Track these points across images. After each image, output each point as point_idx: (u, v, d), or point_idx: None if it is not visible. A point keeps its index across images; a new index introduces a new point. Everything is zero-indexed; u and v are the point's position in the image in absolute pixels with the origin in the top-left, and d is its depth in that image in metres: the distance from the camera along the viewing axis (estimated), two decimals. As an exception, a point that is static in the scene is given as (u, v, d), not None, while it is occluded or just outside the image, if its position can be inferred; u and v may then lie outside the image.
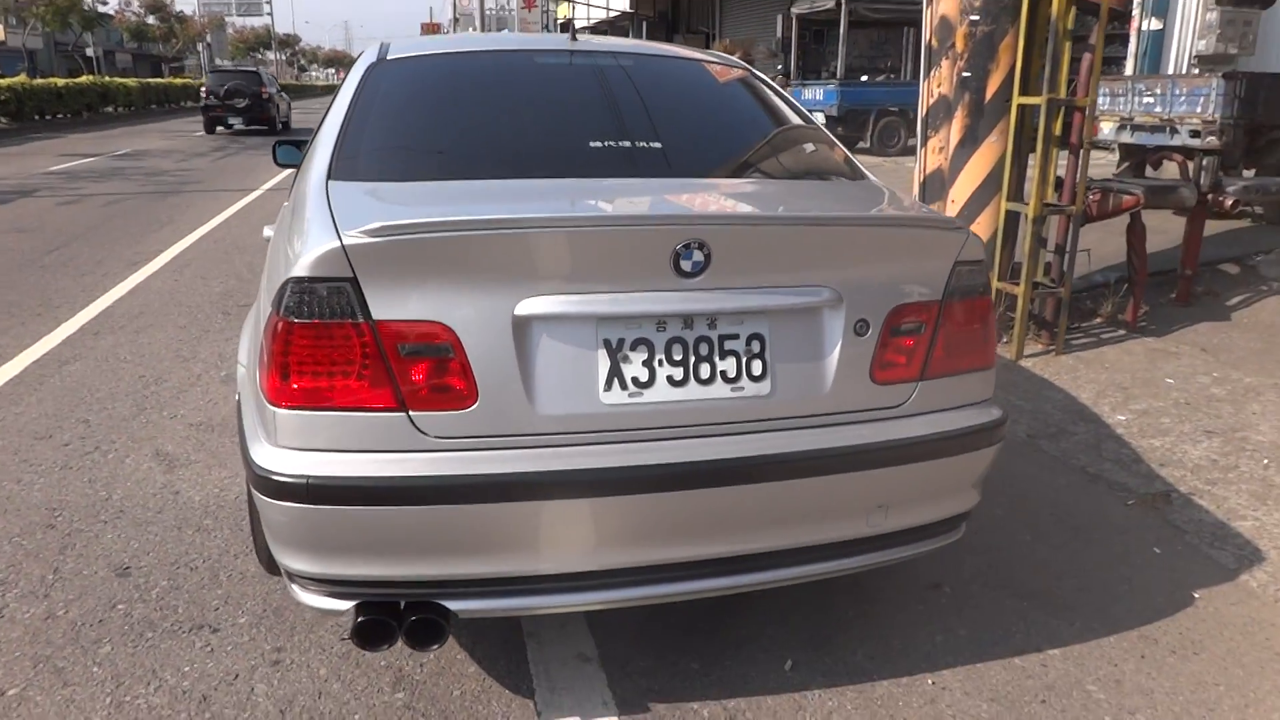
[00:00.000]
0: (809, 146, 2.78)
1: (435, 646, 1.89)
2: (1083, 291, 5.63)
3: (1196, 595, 2.73)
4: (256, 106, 22.29)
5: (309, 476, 1.72)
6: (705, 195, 2.22)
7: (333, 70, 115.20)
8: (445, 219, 1.76)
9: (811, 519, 1.98)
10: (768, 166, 2.64)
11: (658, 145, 2.43)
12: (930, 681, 2.29)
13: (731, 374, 1.89)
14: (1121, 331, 5.20)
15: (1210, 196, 5.29)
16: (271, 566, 2.50)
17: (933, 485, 2.08)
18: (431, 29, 61.84)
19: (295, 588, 1.90)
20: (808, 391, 1.94)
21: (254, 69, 25.72)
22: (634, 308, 1.81)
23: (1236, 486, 3.40)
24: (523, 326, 1.79)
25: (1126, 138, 8.40)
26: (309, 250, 1.72)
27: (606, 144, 2.39)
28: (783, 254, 1.90)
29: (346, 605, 1.86)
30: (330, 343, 1.73)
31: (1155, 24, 12.18)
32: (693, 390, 1.87)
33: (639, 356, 1.84)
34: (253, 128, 22.27)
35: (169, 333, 4.99)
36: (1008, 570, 2.79)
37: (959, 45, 4.81)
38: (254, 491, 1.83)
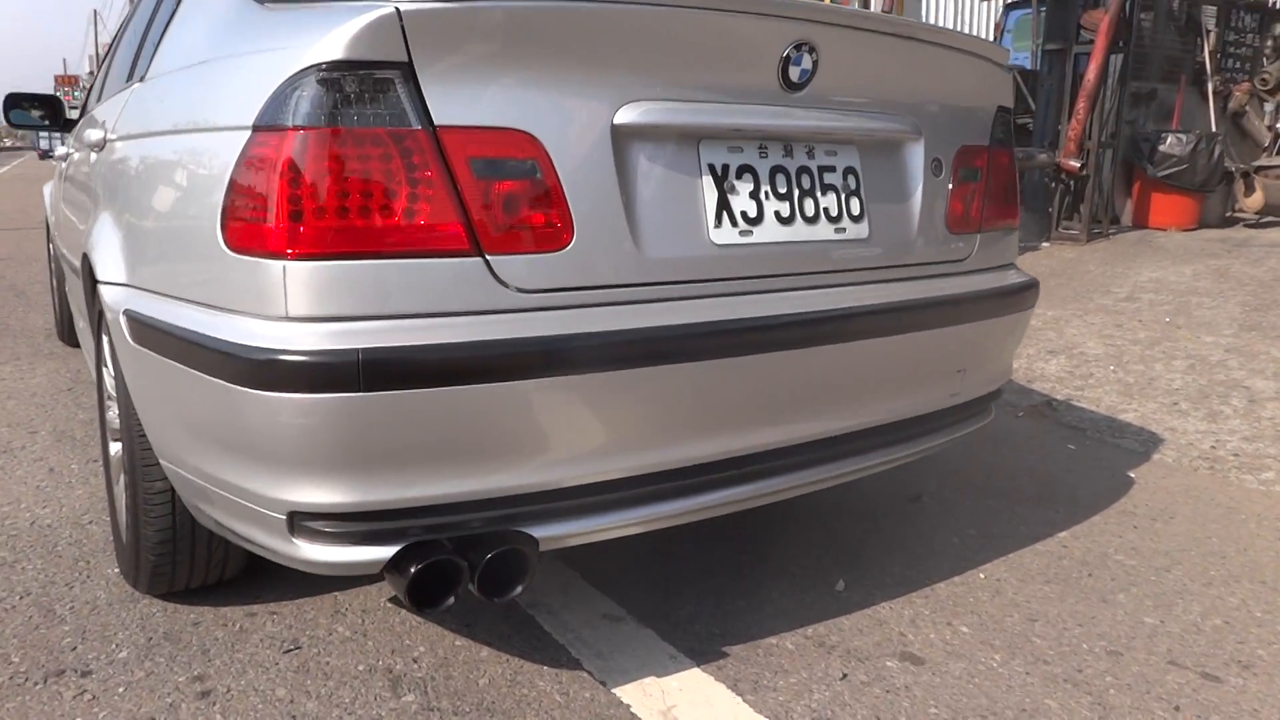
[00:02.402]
0: None
1: (518, 589, 1.37)
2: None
3: (1132, 474, 2.80)
4: None
5: (363, 351, 1.16)
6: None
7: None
8: None
9: (909, 383, 1.72)
10: None
11: None
12: (981, 576, 2.09)
13: (834, 212, 1.59)
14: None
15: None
16: (151, 584, 1.77)
17: (995, 347, 1.90)
18: (67, 81, 55.01)
19: (301, 542, 1.29)
20: (899, 238, 1.71)
21: None
22: (740, 120, 1.45)
23: (1101, 389, 3.60)
24: (623, 141, 1.36)
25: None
26: (339, 24, 1.18)
27: None
28: (878, 74, 1.65)
29: (388, 552, 1.29)
30: (371, 160, 1.19)
31: None
32: (800, 229, 1.54)
33: (745, 187, 1.49)
34: None
35: None
36: (963, 479, 2.71)
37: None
38: (244, 394, 1.21)
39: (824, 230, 1.58)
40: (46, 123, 3.43)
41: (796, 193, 1.55)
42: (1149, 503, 2.57)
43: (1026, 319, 1.99)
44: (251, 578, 1.95)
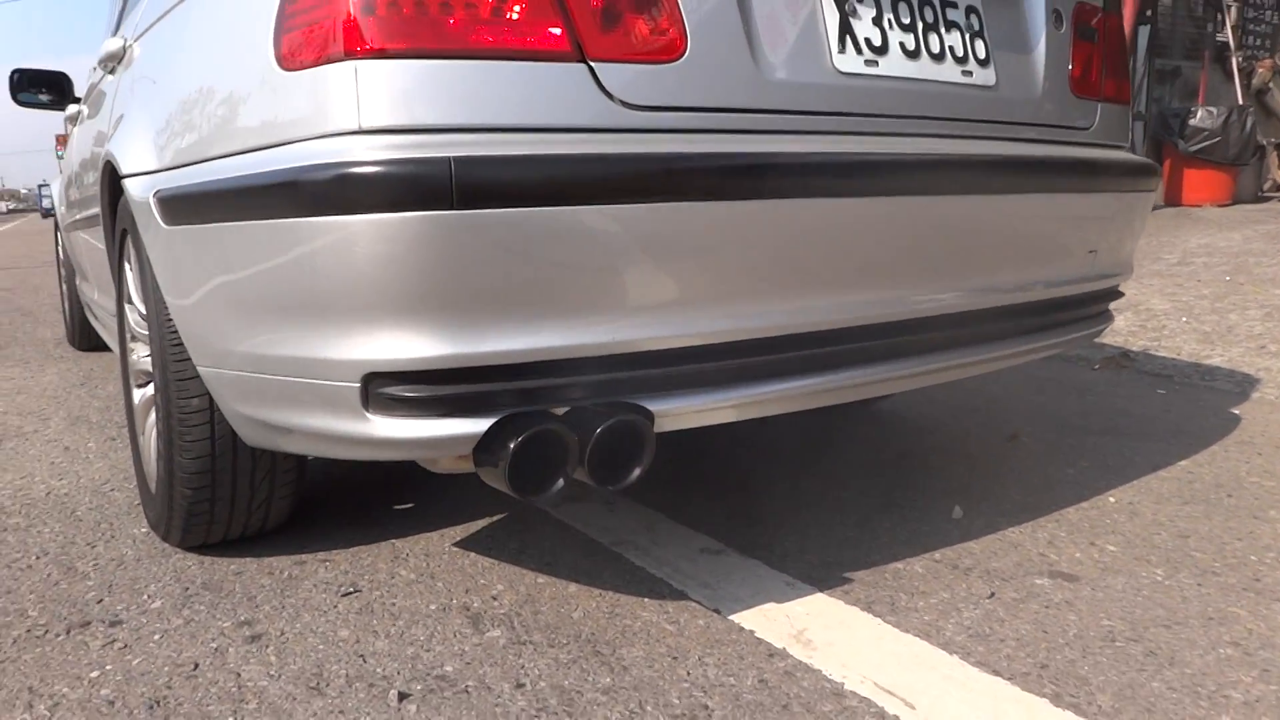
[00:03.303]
0: None
1: (635, 473, 1.14)
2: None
3: (1236, 411, 2.57)
4: None
5: (456, 160, 0.96)
6: None
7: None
8: None
9: (1045, 254, 1.51)
10: None
11: None
12: (1111, 500, 1.86)
13: (960, 51, 1.40)
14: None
15: None
16: (186, 530, 1.56)
17: (1124, 226, 1.69)
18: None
19: (377, 416, 1.07)
20: (1027, 91, 1.52)
21: None
22: None
23: (1178, 338, 3.38)
24: None
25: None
26: None
27: None
28: None
29: (482, 425, 1.07)
30: None
31: None
32: (926, 66, 1.35)
33: (868, 12, 1.30)
34: None
35: None
36: (1057, 420, 2.48)
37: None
38: (310, 225, 1.01)
39: (951, 71, 1.38)
40: (55, 105, 3.25)
41: (920, 25, 1.35)
42: (1266, 434, 2.35)
43: (1150, 202, 1.78)
44: (297, 529, 1.73)
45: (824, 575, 1.52)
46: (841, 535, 1.69)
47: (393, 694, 1.18)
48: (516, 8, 1.03)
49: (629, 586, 1.49)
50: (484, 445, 1.08)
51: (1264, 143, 6.79)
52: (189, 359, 1.40)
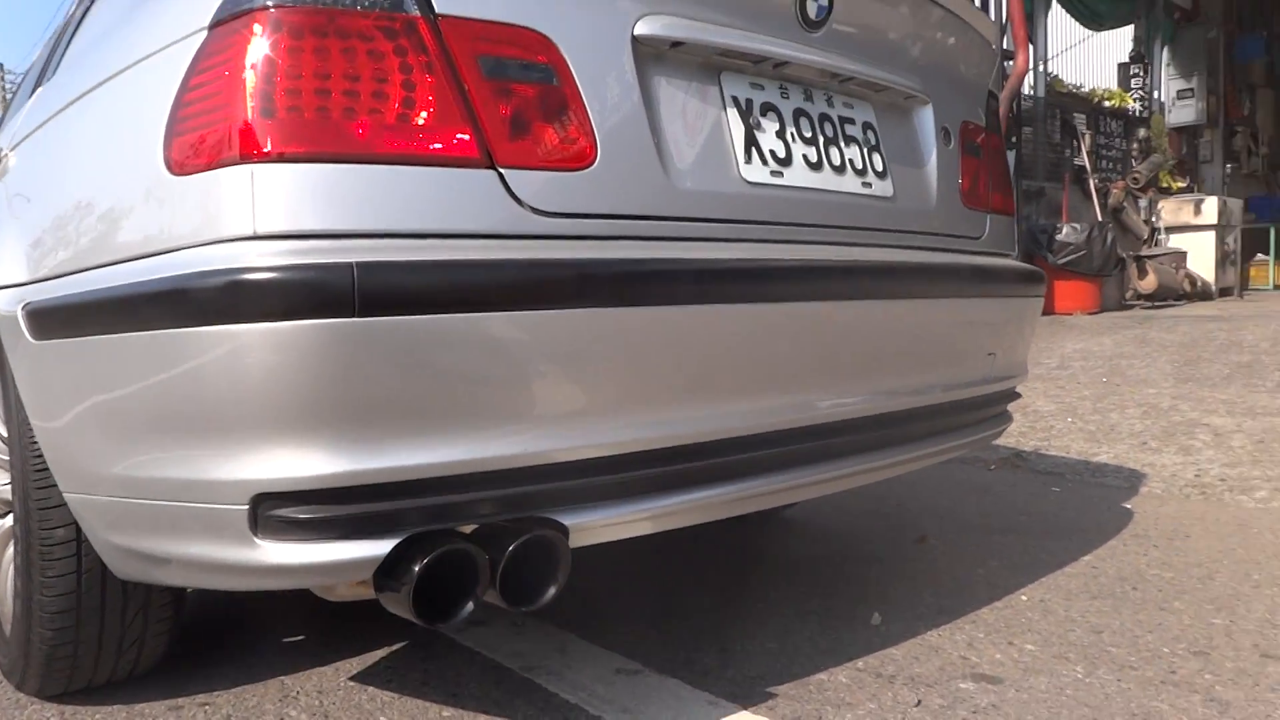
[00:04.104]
0: None
1: (550, 593, 1.07)
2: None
3: (1128, 505, 2.66)
4: None
5: (360, 265, 0.91)
6: None
7: None
8: None
9: (947, 357, 1.55)
10: None
11: None
12: (1024, 598, 1.87)
13: (859, 164, 1.45)
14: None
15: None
16: (45, 677, 1.39)
17: (1019, 329, 1.76)
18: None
19: (267, 542, 0.98)
20: (921, 203, 1.58)
21: None
22: (760, 46, 1.30)
23: (1066, 438, 3.51)
24: (644, 59, 1.19)
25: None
26: None
27: None
28: (890, 25, 1.55)
29: (384, 546, 0.99)
30: (361, 48, 0.98)
31: None
32: (829, 178, 1.39)
33: (771, 125, 1.33)
34: None
35: None
36: (960, 521, 2.52)
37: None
38: (197, 336, 0.94)
39: (851, 182, 1.43)
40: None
41: (821, 139, 1.40)
42: (1158, 526, 2.42)
43: (1039, 306, 1.86)
44: (174, 668, 1.57)
45: (747, 692, 1.45)
46: (761, 647, 1.63)
47: None
48: (424, 113, 1.01)
49: (542, 716, 1.39)
50: (385, 569, 1.01)
51: (1124, 255, 7.32)
52: (54, 485, 1.28)
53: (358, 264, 0.92)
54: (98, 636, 1.37)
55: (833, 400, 1.34)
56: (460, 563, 1.01)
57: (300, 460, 0.95)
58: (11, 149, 1.66)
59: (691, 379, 1.15)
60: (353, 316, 0.91)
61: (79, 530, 1.29)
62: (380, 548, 1.00)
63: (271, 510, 0.98)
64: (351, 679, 1.54)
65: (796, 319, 1.25)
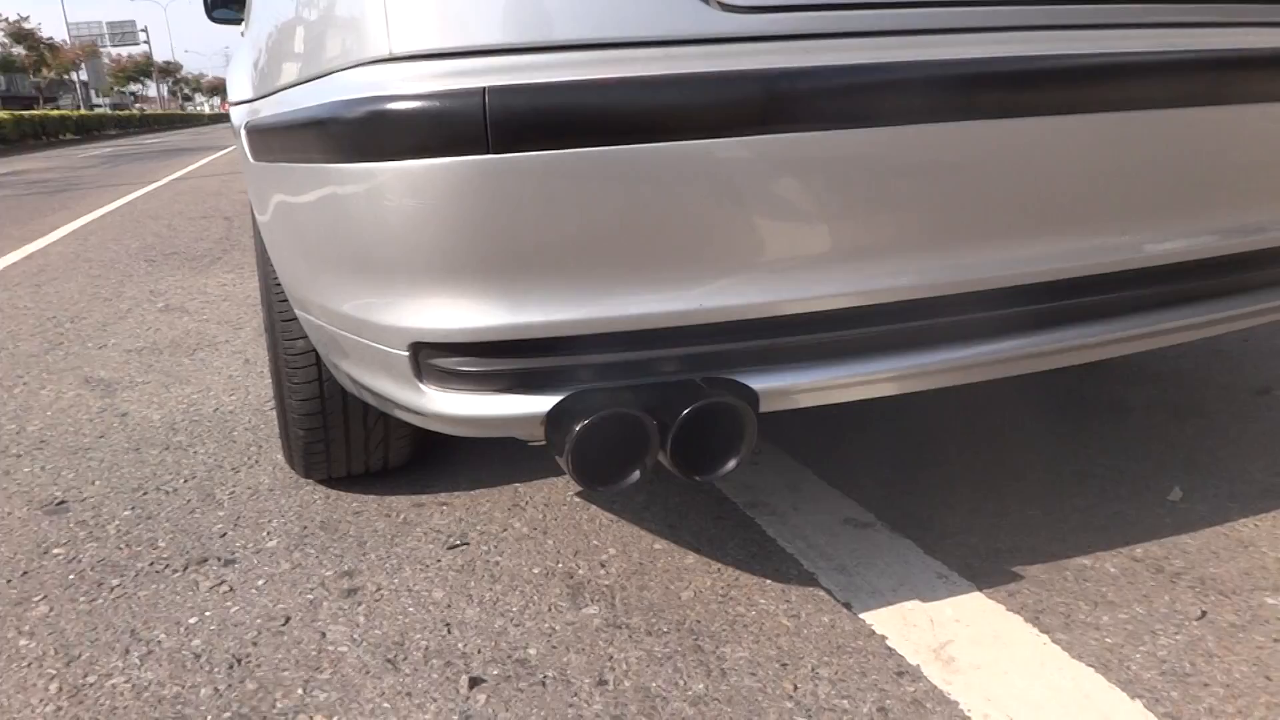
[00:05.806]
0: None
1: (730, 464, 0.95)
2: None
3: None
4: None
5: (491, 90, 0.77)
6: None
7: (218, 100, 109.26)
8: None
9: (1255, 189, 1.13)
10: None
11: None
12: (1395, 488, 1.46)
13: None
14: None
15: None
16: (307, 466, 1.53)
17: None
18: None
19: (430, 389, 0.95)
20: None
21: None
22: None
23: None
24: None
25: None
26: None
27: None
28: None
29: (544, 403, 0.91)
30: None
31: None
32: None
33: None
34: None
35: (79, 282, 3.88)
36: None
37: None
38: (338, 172, 0.88)
39: None
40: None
41: None
42: None
43: None
44: (424, 466, 1.68)
45: (986, 568, 1.27)
46: (1021, 513, 1.42)
47: (464, 679, 1.08)
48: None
49: (753, 563, 1.31)
50: (553, 422, 0.93)
51: None
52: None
53: (489, 89, 0.77)
54: (344, 438, 1.47)
55: (1155, 243, 1.03)
56: (625, 426, 0.90)
57: (453, 312, 0.87)
58: None
59: (913, 224, 0.91)
60: (486, 153, 0.78)
61: None
62: (543, 404, 0.91)
63: (431, 359, 0.93)
64: (577, 495, 1.55)
65: (1099, 134, 0.93)
